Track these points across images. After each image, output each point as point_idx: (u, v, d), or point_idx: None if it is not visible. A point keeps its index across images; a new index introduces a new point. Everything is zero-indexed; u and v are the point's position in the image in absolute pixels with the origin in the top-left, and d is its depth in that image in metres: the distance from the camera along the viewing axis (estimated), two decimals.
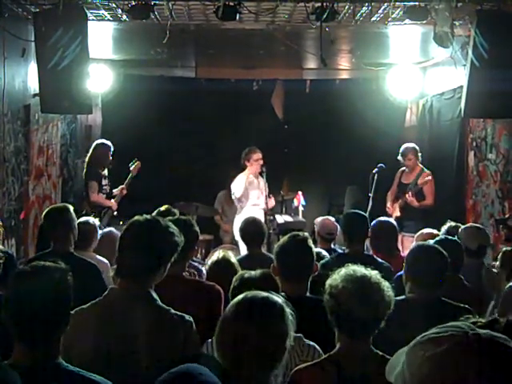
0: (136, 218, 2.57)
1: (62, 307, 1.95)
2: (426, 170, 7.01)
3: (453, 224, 4.83)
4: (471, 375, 1.03)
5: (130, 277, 2.46)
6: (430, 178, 6.80)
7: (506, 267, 4.03)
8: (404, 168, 7.17)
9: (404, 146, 7.16)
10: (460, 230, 4.53)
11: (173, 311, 2.45)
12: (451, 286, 3.22)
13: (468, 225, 4.81)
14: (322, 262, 4.13)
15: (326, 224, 5.34)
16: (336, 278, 2.28)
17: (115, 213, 6.90)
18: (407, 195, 6.79)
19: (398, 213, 6.92)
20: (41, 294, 1.90)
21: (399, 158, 7.11)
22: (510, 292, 3.67)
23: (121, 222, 6.77)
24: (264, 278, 2.83)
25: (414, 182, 6.93)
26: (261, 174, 7.37)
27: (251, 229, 4.76)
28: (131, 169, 7.11)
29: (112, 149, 6.99)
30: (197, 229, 3.43)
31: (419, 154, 7.09)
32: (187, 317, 2.45)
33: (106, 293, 2.51)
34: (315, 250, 3.36)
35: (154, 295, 2.46)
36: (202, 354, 2.41)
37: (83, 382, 1.92)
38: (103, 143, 7.03)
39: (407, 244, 6.41)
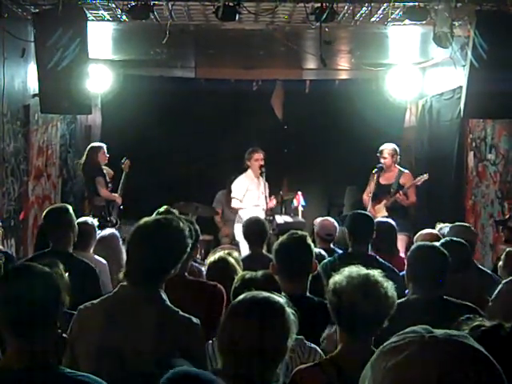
0: (144, 219, 2.52)
1: (48, 308, 1.92)
2: (404, 170, 7.11)
3: (443, 225, 4.87)
4: (433, 379, 1.01)
5: (141, 279, 2.42)
6: (426, 177, 6.84)
7: (509, 267, 4.03)
8: (377, 170, 7.18)
9: (384, 144, 7.22)
10: (448, 229, 4.57)
11: (181, 313, 2.42)
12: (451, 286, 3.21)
13: (455, 224, 4.82)
14: (324, 261, 4.13)
15: (325, 225, 5.34)
16: (338, 277, 2.28)
17: (121, 207, 7.05)
18: (398, 194, 6.84)
19: (384, 213, 6.91)
20: (26, 295, 1.88)
21: (378, 154, 7.19)
22: (508, 290, 3.67)
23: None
24: (266, 278, 2.83)
25: (396, 182, 7.01)
26: (261, 174, 7.37)
27: (254, 228, 4.76)
28: (122, 167, 7.29)
29: (102, 147, 7.18)
30: (197, 227, 3.42)
31: (397, 156, 7.15)
32: (195, 319, 2.42)
33: (115, 290, 2.48)
34: (315, 250, 3.36)
35: (164, 296, 2.44)
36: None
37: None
38: (91, 146, 7.26)
39: (399, 244, 6.40)
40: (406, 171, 7.09)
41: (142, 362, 2.32)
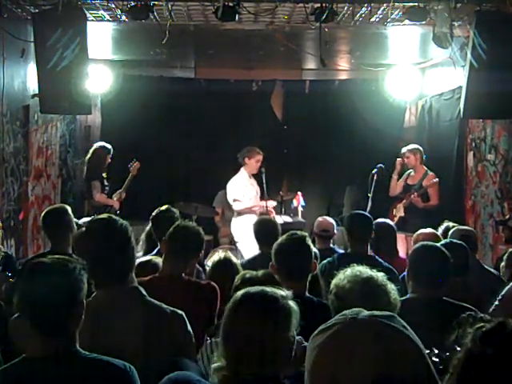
0: (86, 227, 2.54)
1: (71, 298, 1.97)
2: (430, 172, 7.10)
3: (450, 224, 4.85)
4: (347, 353, 1.06)
5: (114, 281, 2.44)
6: (436, 180, 6.88)
7: (511, 268, 4.02)
8: (411, 171, 7.22)
9: (409, 146, 7.30)
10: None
11: (164, 306, 2.44)
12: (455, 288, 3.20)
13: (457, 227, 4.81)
14: (322, 262, 4.13)
15: (320, 222, 5.40)
16: (342, 278, 2.26)
17: (118, 211, 6.96)
18: (413, 195, 6.88)
19: (402, 213, 6.99)
20: (52, 286, 1.92)
21: (400, 158, 7.27)
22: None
23: None
24: (266, 278, 2.83)
25: (419, 183, 7.04)
26: (258, 174, 7.35)
27: (267, 228, 4.75)
28: (130, 169, 7.18)
29: (111, 152, 7.09)
30: (203, 237, 3.45)
31: (420, 155, 7.16)
32: (179, 311, 2.45)
33: (93, 295, 2.47)
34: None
35: (143, 291, 2.45)
36: (181, 359, 2.37)
37: (102, 367, 1.97)
38: (103, 146, 7.17)
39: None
40: (431, 173, 7.09)
41: (136, 361, 2.31)
